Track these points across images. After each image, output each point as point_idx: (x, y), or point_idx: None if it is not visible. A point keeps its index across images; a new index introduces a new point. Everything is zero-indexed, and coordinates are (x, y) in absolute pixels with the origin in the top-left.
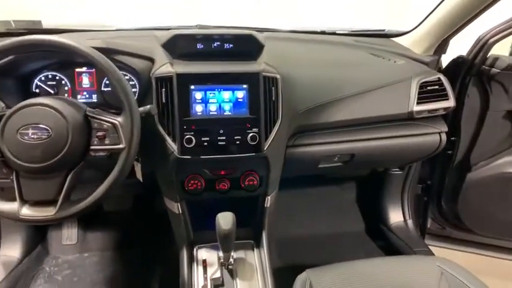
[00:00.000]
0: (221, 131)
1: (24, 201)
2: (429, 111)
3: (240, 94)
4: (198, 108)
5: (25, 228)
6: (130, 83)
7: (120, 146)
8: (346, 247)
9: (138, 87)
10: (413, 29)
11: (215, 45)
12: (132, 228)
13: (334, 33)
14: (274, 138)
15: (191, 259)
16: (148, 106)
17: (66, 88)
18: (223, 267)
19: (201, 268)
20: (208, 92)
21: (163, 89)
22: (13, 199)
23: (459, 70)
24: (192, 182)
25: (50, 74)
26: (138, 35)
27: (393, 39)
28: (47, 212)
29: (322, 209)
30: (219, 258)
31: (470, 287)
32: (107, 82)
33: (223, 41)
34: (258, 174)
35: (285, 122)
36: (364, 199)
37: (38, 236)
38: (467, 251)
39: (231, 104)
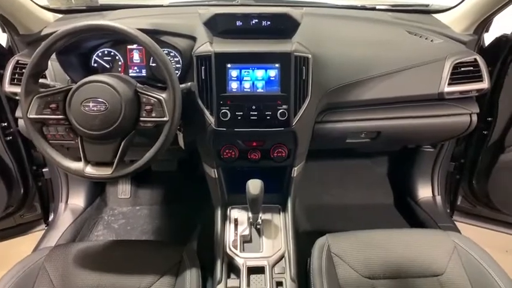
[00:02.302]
0: (253, 107)
1: (87, 162)
2: (461, 92)
3: (272, 73)
4: (234, 85)
5: (88, 183)
6: (175, 59)
7: (165, 118)
8: (372, 218)
9: (181, 64)
10: (455, 6)
11: (253, 22)
12: (176, 187)
13: (373, 9)
14: (303, 115)
15: (224, 218)
16: (189, 83)
17: (119, 63)
18: (252, 226)
19: (232, 226)
20: (243, 70)
21: (203, 67)
22: (76, 158)
23: (501, 49)
24: (227, 151)
25: (106, 50)
26: (184, 11)
27: (434, 15)
28: (105, 172)
29: (352, 181)
30: (248, 219)
31: (482, 263)
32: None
33: (261, 19)
34: (286, 147)
35: (314, 99)
36: (394, 173)
37: (98, 189)
38: (496, 230)
39: (264, 82)
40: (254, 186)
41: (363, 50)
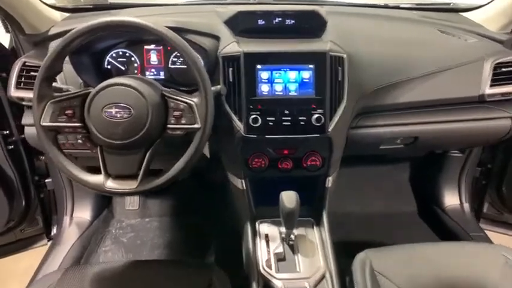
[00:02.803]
0: (286, 111)
1: (108, 175)
2: (503, 94)
3: (306, 74)
4: (264, 88)
5: (95, 194)
6: None
7: (196, 125)
8: (399, 227)
9: (206, 66)
10: (486, 4)
11: (276, 21)
12: (188, 196)
13: (397, 7)
14: (339, 120)
15: (254, 233)
16: (218, 86)
17: (135, 65)
18: (284, 242)
19: (263, 242)
20: (274, 72)
21: (230, 68)
22: (84, 168)
23: None
24: (256, 160)
25: (120, 51)
26: (200, 10)
27: (463, 14)
28: (129, 186)
29: (373, 188)
30: (280, 234)
31: None
32: (174, 59)
33: (284, 17)
34: (320, 155)
35: (350, 103)
36: (417, 180)
37: (105, 201)
38: None
39: (297, 85)
40: (289, 198)
41: (398, 50)
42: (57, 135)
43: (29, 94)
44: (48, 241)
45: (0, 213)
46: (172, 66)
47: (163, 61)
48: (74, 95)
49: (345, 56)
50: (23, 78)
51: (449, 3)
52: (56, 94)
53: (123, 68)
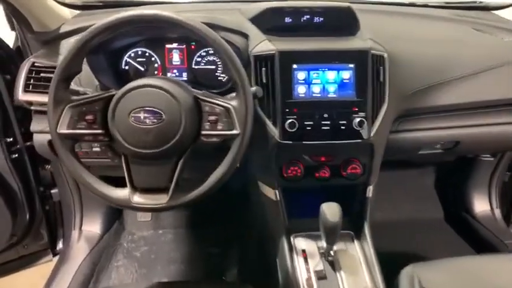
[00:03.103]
0: (325, 115)
1: (134, 188)
2: None
3: (346, 74)
4: (301, 90)
5: (104, 205)
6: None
7: (234, 131)
8: (429, 235)
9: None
10: None
11: (304, 18)
12: (204, 206)
13: (425, 5)
14: (381, 124)
15: (291, 249)
16: (254, 88)
17: (155, 65)
18: (324, 258)
19: (301, 259)
20: (311, 72)
21: (264, 69)
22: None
23: None
24: (291, 168)
25: (139, 50)
26: (220, 7)
27: (495, 12)
28: (159, 200)
29: (399, 194)
30: (319, 249)
31: None
32: (198, 59)
33: (313, 15)
34: (360, 162)
35: (391, 105)
36: (444, 185)
37: (115, 212)
38: None
39: (336, 86)
40: (331, 211)
41: (436, 49)
42: (75, 143)
43: (38, 98)
44: (53, 257)
45: (3, 228)
46: (196, 67)
47: (186, 61)
48: (95, 98)
49: (385, 55)
50: (31, 80)
51: (474, 1)
52: (75, 98)
53: (142, 69)
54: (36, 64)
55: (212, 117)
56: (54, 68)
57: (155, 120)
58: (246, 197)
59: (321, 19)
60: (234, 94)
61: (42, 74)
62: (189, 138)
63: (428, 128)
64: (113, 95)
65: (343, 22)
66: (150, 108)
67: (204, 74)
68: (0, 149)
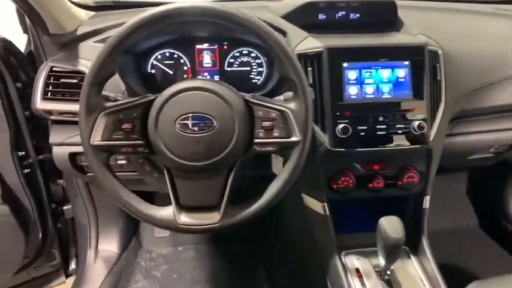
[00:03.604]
0: (380, 118)
1: (180, 207)
2: None
3: (401, 73)
4: (352, 91)
5: (120, 221)
6: (257, 61)
7: (294, 138)
8: (461, 243)
9: (265, 67)
10: None
11: (339, 15)
12: None
13: (458, 1)
14: (439, 127)
15: (344, 268)
16: None
17: (185, 68)
18: (380, 277)
19: (356, 280)
20: (363, 71)
21: (310, 68)
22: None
23: None
24: (342, 178)
25: (167, 52)
26: (247, 5)
27: None
28: (210, 220)
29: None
30: (374, 267)
31: None
32: (231, 60)
33: (349, 10)
34: (416, 170)
35: (448, 106)
36: (477, 191)
37: (132, 228)
38: None
39: (391, 85)
40: (392, 226)
41: (491, 45)
42: (110, 156)
43: (58, 106)
44: (66, 278)
45: (16, 250)
46: (229, 69)
47: (219, 63)
48: (133, 104)
49: (440, 51)
50: (50, 87)
51: None
52: (109, 104)
53: (170, 72)
54: (54, 69)
55: (267, 123)
56: (75, 72)
57: (205, 128)
58: (275, 208)
59: (357, 15)
60: (289, 95)
61: (62, 80)
62: (241, 147)
63: (483, 130)
64: (153, 100)
65: (382, 18)
66: (200, 114)
67: (237, 77)
68: (12, 164)
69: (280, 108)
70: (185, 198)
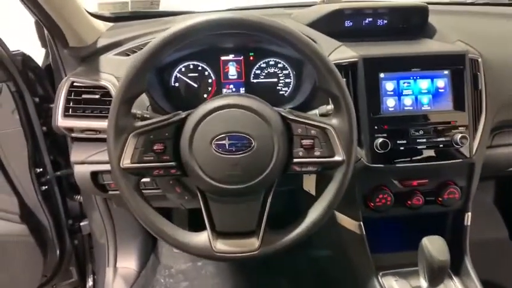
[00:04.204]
0: (420, 132)
1: (216, 233)
2: None
3: (441, 83)
4: (390, 103)
5: (138, 237)
6: (284, 72)
7: (337, 158)
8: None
9: (293, 78)
10: None
11: (366, 21)
12: None
13: (487, 4)
14: (481, 139)
15: None
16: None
17: (209, 80)
18: None
19: None
20: (401, 82)
21: (344, 79)
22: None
23: None
24: (380, 196)
25: (191, 64)
26: (268, 13)
27: None
28: (248, 247)
29: None
30: None
31: None
32: (257, 72)
33: (376, 16)
34: (457, 185)
35: (489, 117)
36: (505, 200)
37: (150, 244)
38: None
39: (430, 96)
40: (437, 247)
41: None
42: (141, 179)
43: (79, 123)
44: None
45: (34, 270)
46: (255, 81)
47: (244, 74)
48: (165, 123)
49: (480, 59)
50: (71, 103)
51: None
52: (139, 124)
53: (195, 85)
54: (75, 84)
55: (307, 141)
56: (96, 87)
57: (243, 148)
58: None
59: (385, 21)
60: (326, 110)
61: (83, 96)
62: (280, 168)
63: None
64: (185, 118)
65: (412, 23)
66: (237, 134)
67: (263, 89)
68: (30, 182)
69: (321, 125)
70: (221, 224)
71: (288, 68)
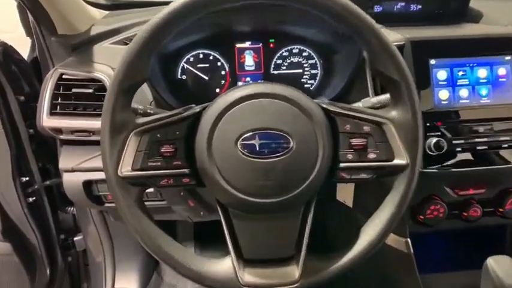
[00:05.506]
0: (480, 129)
1: (243, 260)
2: None
3: (502, 70)
4: (443, 95)
5: (140, 254)
6: (310, 62)
7: (399, 161)
8: None
9: (320, 69)
10: None
11: (398, 6)
12: None
13: None
14: None
15: None
16: (382, 96)
17: (222, 72)
18: None
19: None
20: (455, 70)
21: None
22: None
23: None
24: (431, 207)
25: (201, 53)
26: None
27: None
28: (286, 278)
29: None
30: None
31: None
32: (278, 62)
33: (409, 1)
34: None
35: None
36: None
37: (152, 260)
38: None
39: (489, 87)
40: (507, 269)
41: None
42: (145, 190)
43: (70, 122)
44: None
45: None
46: (276, 72)
47: (263, 65)
48: (175, 118)
49: None
50: (59, 99)
51: None
52: (142, 120)
53: (205, 78)
54: (64, 76)
55: (358, 141)
56: (89, 80)
57: (279, 150)
58: None
59: (419, 6)
60: (371, 102)
61: (73, 90)
62: (324, 175)
63: None
64: (200, 113)
65: (450, 8)
66: (271, 132)
67: (285, 82)
68: (15, 193)
69: (377, 119)
70: (249, 249)
71: (315, 57)
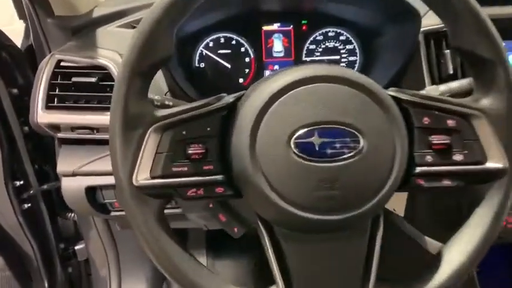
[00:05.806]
0: None
1: None
2: None
3: None
4: None
5: (147, 263)
6: (347, 47)
7: (494, 164)
8: None
9: (359, 55)
10: None
11: None
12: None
13: None
14: None
15: None
16: (455, 82)
17: (246, 59)
18: None
19: None
20: None
21: (447, 51)
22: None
23: None
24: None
25: (222, 36)
26: None
27: None
28: None
29: None
30: None
31: None
32: (311, 47)
33: None
34: None
35: None
36: None
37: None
38: None
39: None
40: None
41: None
42: (167, 203)
43: (69, 118)
44: None
45: None
46: (308, 59)
47: (294, 51)
48: (205, 110)
49: None
50: (57, 90)
51: None
52: (163, 113)
53: (228, 65)
54: (63, 64)
55: (439, 138)
56: (93, 68)
57: (346, 151)
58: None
59: None
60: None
61: (74, 79)
62: (399, 182)
63: None
64: (233, 104)
65: None
66: (335, 127)
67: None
68: (7, 199)
69: (464, 110)
70: (302, 277)
71: (353, 41)
